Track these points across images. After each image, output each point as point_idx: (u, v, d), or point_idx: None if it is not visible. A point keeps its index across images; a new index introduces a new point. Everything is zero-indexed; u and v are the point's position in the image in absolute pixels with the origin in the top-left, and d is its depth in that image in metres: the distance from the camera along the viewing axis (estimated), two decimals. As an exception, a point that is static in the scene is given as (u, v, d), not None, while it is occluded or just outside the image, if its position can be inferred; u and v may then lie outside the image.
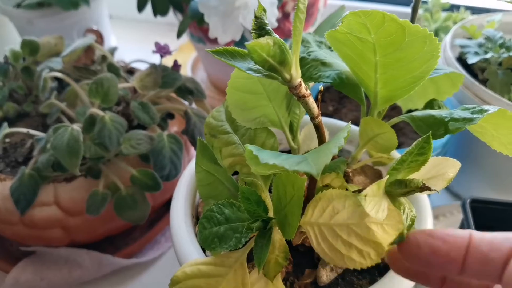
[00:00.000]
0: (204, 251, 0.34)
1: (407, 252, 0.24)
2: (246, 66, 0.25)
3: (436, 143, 0.49)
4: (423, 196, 0.37)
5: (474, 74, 0.59)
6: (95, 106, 0.45)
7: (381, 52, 0.30)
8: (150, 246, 0.54)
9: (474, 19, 0.67)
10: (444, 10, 0.83)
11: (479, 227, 0.42)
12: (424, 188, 0.25)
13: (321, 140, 0.30)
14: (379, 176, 0.41)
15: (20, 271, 0.50)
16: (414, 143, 0.26)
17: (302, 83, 0.26)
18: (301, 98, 0.26)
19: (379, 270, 0.34)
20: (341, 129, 0.43)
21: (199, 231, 0.31)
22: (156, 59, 0.52)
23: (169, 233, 0.55)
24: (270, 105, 0.35)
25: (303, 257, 0.35)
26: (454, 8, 0.85)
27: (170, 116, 0.53)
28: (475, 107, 0.32)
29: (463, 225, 0.42)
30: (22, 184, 0.45)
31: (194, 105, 0.56)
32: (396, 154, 0.39)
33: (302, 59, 0.36)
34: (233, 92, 0.33)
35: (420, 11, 0.83)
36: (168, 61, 0.54)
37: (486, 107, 0.31)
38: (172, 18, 0.68)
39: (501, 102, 0.50)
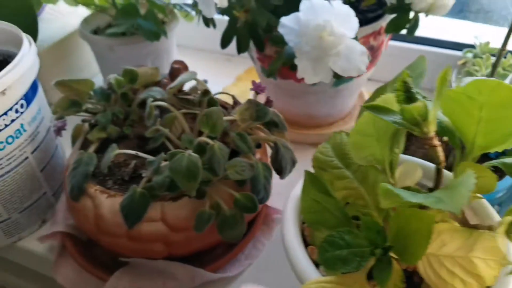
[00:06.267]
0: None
1: None
2: (391, 119, 0.31)
3: (501, 186, 0.54)
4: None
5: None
6: (204, 135, 0.51)
7: (487, 110, 0.35)
8: (231, 263, 0.59)
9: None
10: (492, 55, 0.88)
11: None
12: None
13: (438, 182, 0.35)
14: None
15: (116, 280, 0.55)
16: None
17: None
18: (433, 148, 0.32)
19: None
20: (426, 167, 0.48)
21: (320, 253, 0.37)
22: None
23: (248, 251, 0.60)
24: (378, 145, 0.41)
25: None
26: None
27: (258, 145, 0.58)
28: None
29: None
30: (133, 201, 0.50)
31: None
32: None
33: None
34: (353, 135, 0.39)
35: (468, 55, 0.89)
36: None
37: None
38: (229, 49, 0.69)
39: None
